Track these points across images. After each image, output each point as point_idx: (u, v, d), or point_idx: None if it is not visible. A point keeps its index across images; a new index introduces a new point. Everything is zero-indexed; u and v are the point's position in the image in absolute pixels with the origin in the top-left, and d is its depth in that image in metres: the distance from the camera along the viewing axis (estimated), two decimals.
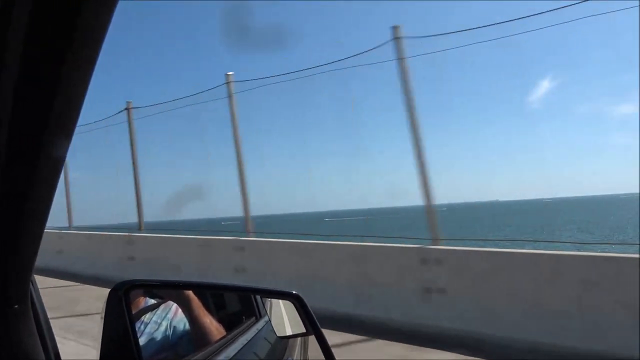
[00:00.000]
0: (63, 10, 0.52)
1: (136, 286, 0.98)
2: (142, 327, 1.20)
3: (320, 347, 1.13)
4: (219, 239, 8.07)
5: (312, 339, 1.17)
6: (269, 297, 1.37)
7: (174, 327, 1.23)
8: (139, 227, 9.63)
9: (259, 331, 1.42)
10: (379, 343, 5.09)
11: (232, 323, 1.36)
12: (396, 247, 6.00)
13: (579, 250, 5.81)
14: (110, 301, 0.92)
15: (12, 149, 0.61)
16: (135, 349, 0.90)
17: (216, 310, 1.30)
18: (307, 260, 6.61)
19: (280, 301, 1.35)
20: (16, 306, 0.80)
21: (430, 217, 5.81)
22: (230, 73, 8.05)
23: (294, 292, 1.18)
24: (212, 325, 1.25)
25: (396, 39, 5.89)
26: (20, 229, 0.70)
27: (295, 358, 1.35)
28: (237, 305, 1.44)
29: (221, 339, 1.27)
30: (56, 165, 0.67)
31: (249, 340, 1.38)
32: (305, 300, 1.16)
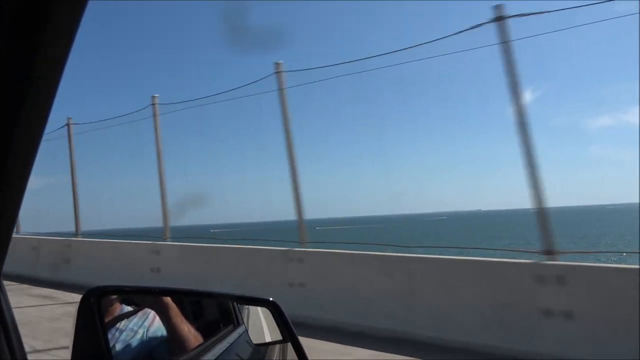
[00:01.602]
0: (32, 10, 0.52)
1: (109, 292, 0.96)
2: (118, 334, 1.18)
3: (296, 354, 1.12)
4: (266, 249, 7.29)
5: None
6: (245, 304, 1.36)
7: (151, 334, 1.21)
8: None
9: (237, 338, 1.41)
10: None
11: (209, 330, 1.35)
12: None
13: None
14: (82, 307, 0.90)
15: None
16: (106, 357, 0.89)
17: (194, 317, 1.29)
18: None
19: (259, 308, 1.34)
20: None
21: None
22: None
23: (270, 299, 1.18)
24: (190, 333, 1.24)
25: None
26: None
27: None
28: (215, 312, 1.42)
29: (198, 346, 1.26)
30: (25, 167, 0.66)
31: (227, 348, 1.37)
32: (282, 307, 1.16)
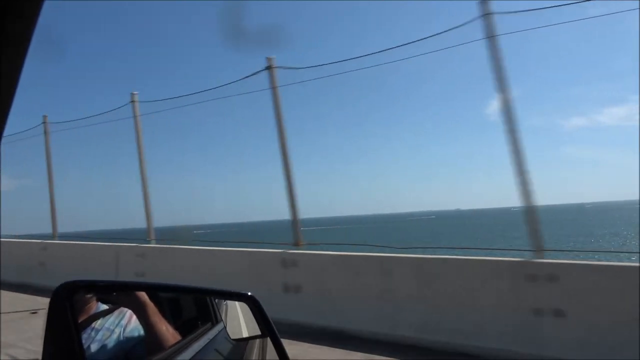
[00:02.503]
0: None
1: (81, 287, 0.94)
2: (94, 333, 1.16)
3: (275, 348, 1.11)
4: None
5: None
6: (223, 299, 1.34)
7: (128, 334, 1.19)
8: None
9: (216, 335, 1.39)
10: None
11: (187, 327, 1.33)
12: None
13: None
14: (53, 304, 0.87)
15: None
16: (79, 357, 0.86)
17: (171, 314, 1.27)
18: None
19: (237, 303, 1.32)
20: None
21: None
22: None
23: (249, 293, 1.16)
24: (168, 331, 1.22)
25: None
26: None
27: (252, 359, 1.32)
28: (193, 307, 1.40)
29: (176, 344, 1.24)
30: None
31: (205, 345, 1.35)
32: (260, 302, 1.15)
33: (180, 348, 1.23)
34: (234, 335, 1.32)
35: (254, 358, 1.27)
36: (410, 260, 5.44)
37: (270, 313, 1.14)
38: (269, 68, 6.66)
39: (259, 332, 1.19)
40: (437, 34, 5.47)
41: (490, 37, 5.08)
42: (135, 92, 8.60)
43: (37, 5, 0.54)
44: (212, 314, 1.41)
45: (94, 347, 1.14)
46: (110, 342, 1.17)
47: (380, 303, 5.35)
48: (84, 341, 0.96)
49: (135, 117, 8.51)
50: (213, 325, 1.37)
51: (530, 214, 4.83)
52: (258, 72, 6.75)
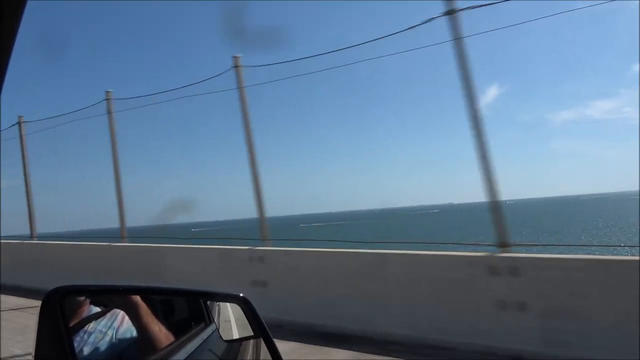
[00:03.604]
0: None
1: (72, 292, 0.93)
2: (86, 337, 1.16)
3: (268, 349, 1.12)
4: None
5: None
6: (215, 300, 1.34)
7: (121, 335, 1.19)
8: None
9: (210, 336, 1.40)
10: None
11: (180, 328, 1.33)
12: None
13: None
14: (44, 309, 0.87)
15: None
16: (70, 359, 0.86)
17: (164, 315, 1.27)
18: None
19: (228, 304, 1.33)
20: None
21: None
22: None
23: (240, 294, 1.17)
24: (161, 332, 1.22)
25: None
26: None
27: None
28: (186, 309, 1.40)
29: (169, 345, 1.24)
30: None
31: (199, 346, 1.35)
32: (252, 303, 1.16)
33: (173, 349, 1.24)
34: (226, 336, 1.32)
35: (248, 359, 1.28)
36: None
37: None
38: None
39: (251, 333, 1.20)
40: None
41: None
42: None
43: (22, 5, 0.53)
44: (204, 315, 1.42)
45: (86, 350, 1.14)
46: (103, 345, 1.17)
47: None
48: (76, 344, 0.96)
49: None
50: (206, 326, 1.38)
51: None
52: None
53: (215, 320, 1.42)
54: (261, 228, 6.64)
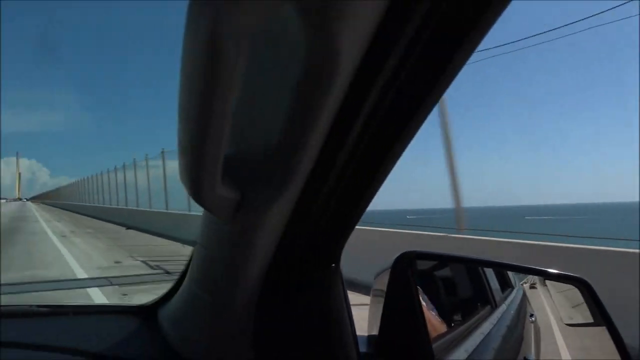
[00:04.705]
0: None
1: (420, 256, 0.99)
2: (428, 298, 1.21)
3: (613, 340, 0.99)
4: None
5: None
6: (551, 280, 1.26)
7: (443, 301, 1.22)
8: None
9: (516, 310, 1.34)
10: None
11: (490, 302, 1.31)
12: None
13: None
14: (395, 270, 0.93)
15: None
16: (421, 322, 0.90)
17: (482, 287, 1.26)
18: None
19: (541, 286, 1.24)
20: (333, 265, 0.85)
21: None
22: None
23: (580, 277, 1.06)
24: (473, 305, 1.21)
25: None
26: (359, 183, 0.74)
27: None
28: (498, 285, 1.37)
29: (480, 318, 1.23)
30: None
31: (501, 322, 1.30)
32: (594, 287, 1.04)
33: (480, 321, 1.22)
34: (562, 320, 1.23)
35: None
36: None
37: None
38: None
39: (583, 320, 1.08)
40: None
41: None
42: None
43: None
44: (506, 295, 1.36)
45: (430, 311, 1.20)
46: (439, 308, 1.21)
47: None
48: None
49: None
50: (493, 309, 1.32)
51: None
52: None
53: (522, 297, 1.35)
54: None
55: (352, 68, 0.57)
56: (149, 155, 22.04)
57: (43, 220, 28.26)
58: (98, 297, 6.82)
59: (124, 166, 26.16)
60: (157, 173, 20.91)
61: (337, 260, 0.86)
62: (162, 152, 19.97)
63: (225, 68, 0.46)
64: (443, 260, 1.13)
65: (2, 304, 1.32)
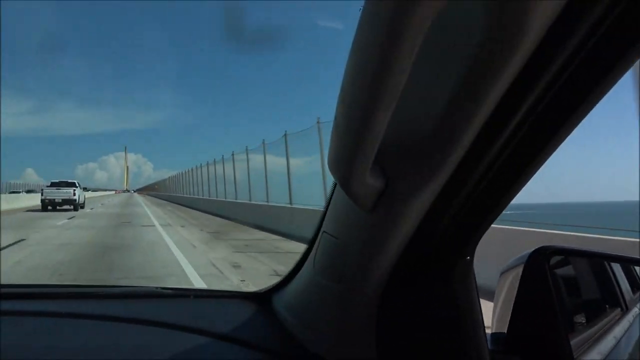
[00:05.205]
0: None
1: (556, 252, 0.93)
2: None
3: None
4: None
5: None
6: None
7: (565, 301, 1.15)
8: None
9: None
10: None
11: (620, 304, 1.20)
12: None
13: None
14: (531, 265, 0.88)
15: None
16: (560, 320, 0.85)
17: (611, 288, 1.17)
18: None
19: None
20: (468, 257, 0.81)
21: None
22: None
23: None
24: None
25: None
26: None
27: None
28: (629, 285, 1.26)
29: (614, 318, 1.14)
30: None
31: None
32: None
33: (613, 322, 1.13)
34: None
35: None
36: None
37: None
38: None
39: None
40: None
41: None
42: None
43: None
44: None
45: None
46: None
47: None
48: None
49: None
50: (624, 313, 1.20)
51: None
52: None
53: None
54: None
55: (523, 59, 0.53)
56: (248, 147, 21.28)
57: (163, 231, 15.38)
58: None
59: (222, 159, 26.12)
60: (253, 166, 20.26)
61: (472, 253, 0.82)
62: (263, 144, 18.68)
63: (400, 51, 0.45)
64: (587, 256, 1.05)
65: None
